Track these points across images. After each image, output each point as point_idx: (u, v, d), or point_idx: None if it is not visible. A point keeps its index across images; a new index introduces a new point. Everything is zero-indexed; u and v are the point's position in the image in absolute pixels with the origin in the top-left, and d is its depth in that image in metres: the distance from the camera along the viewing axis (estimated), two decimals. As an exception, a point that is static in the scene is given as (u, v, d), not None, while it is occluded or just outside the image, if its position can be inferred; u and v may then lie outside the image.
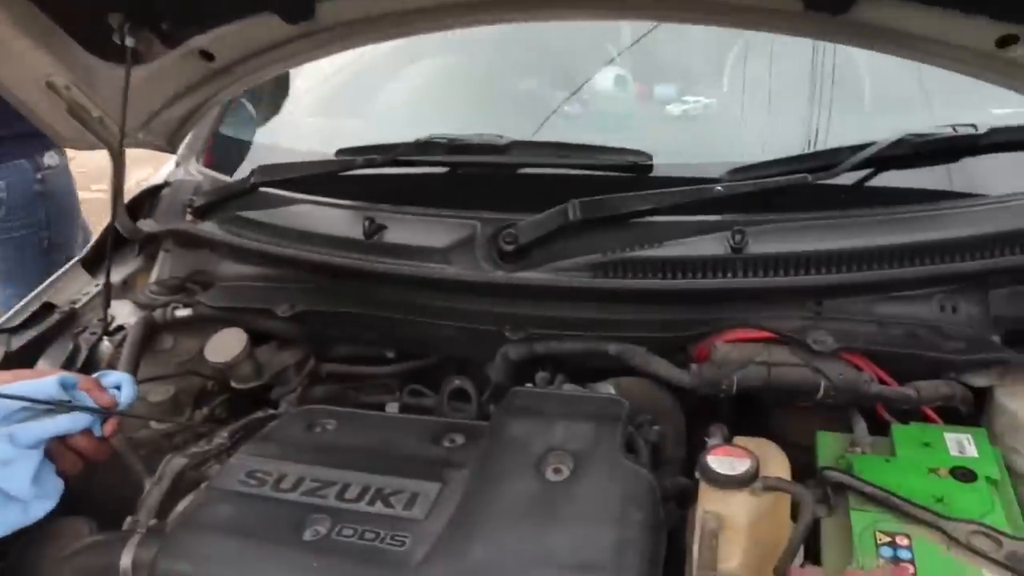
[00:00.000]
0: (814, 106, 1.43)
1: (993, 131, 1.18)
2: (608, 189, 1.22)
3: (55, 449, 0.99)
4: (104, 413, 1.02)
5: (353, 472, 1.04)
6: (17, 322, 1.44)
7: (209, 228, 1.44)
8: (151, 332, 1.39)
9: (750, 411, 1.32)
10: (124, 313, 1.50)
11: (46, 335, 1.44)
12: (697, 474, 0.94)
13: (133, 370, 1.31)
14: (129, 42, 1.26)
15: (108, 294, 1.38)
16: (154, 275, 1.61)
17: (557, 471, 0.96)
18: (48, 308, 1.50)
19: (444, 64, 1.83)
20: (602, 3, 1.05)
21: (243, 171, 1.54)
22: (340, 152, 1.44)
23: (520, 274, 1.17)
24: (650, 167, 1.26)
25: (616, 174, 1.27)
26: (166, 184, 1.65)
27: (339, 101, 1.80)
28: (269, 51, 1.31)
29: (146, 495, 1.11)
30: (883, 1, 0.95)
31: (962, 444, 1.05)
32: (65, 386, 0.99)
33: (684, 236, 1.15)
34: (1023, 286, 1.12)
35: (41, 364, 1.37)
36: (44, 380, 0.96)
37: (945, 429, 1.08)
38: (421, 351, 1.36)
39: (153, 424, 1.33)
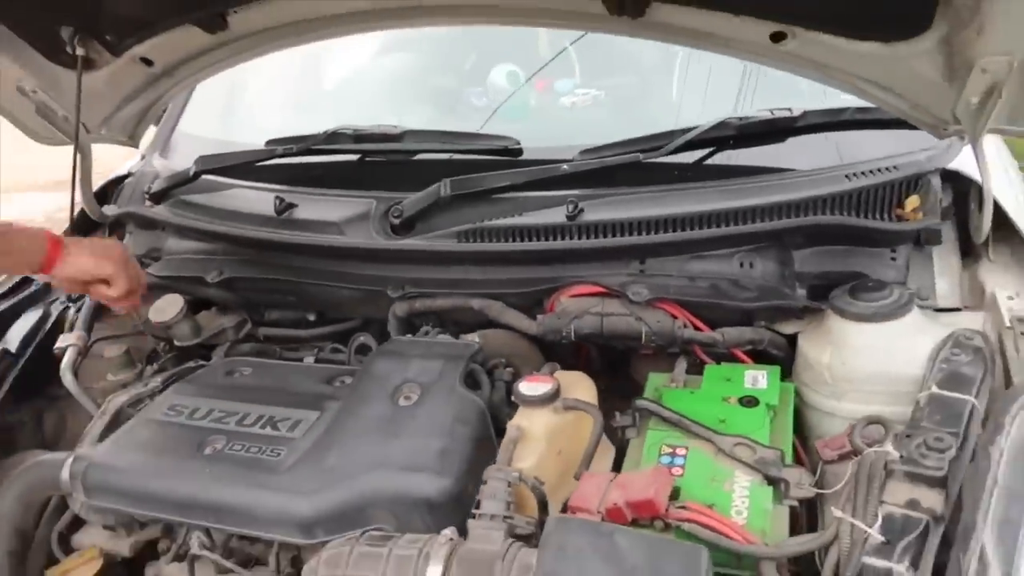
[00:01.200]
0: (682, 94, 1.62)
1: (807, 113, 1.37)
2: (485, 170, 1.43)
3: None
4: None
5: (255, 405, 1.27)
6: (-1, 292, 1.69)
7: (160, 211, 1.67)
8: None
9: (619, 362, 1.53)
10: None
11: (22, 303, 1.68)
12: (511, 396, 1.15)
13: (88, 329, 1.55)
14: (79, 51, 1.50)
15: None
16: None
17: (407, 399, 1.18)
18: (26, 281, 1.75)
19: (368, 62, 2.05)
20: (435, 12, 1.26)
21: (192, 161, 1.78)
22: (268, 143, 1.66)
23: (400, 241, 1.39)
24: (519, 150, 1.47)
25: (491, 157, 1.48)
26: (129, 174, 1.89)
27: (275, 97, 2.03)
28: (198, 57, 1.54)
29: (90, 426, 1.35)
30: (671, 5, 1.14)
31: (756, 378, 1.25)
32: None
33: (535, 209, 1.35)
34: (823, 247, 1.31)
35: (15, 328, 1.61)
36: None
37: (748, 368, 1.28)
38: (333, 313, 1.58)
39: (109, 376, 1.57)
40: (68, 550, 1.29)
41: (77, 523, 1.29)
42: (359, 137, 1.55)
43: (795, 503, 1.05)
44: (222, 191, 1.66)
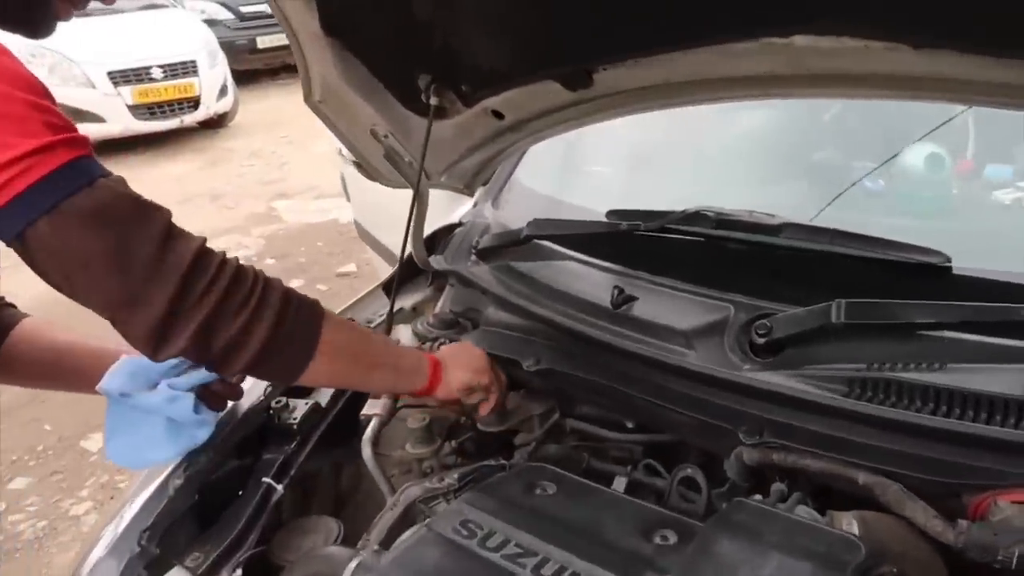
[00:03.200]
0: None
1: None
2: (889, 289, 1.07)
3: (202, 392, 1.24)
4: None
5: (556, 548, 1.04)
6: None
7: (482, 273, 1.53)
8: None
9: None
10: (405, 338, 1.66)
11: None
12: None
13: (395, 397, 1.44)
14: (433, 100, 1.40)
15: (390, 322, 1.54)
16: (438, 306, 1.77)
17: (760, 612, 0.86)
18: (349, 324, 1.72)
19: (732, 129, 1.74)
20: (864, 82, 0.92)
21: (526, 219, 1.62)
22: (610, 214, 1.44)
23: (765, 375, 1.07)
24: (947, 269, 1.07)
25: (902, 274, 1.10)
26: (460, 224, 1.80)
27: (620, 160, 1.81)
28: (552, 113, 1.37)
29: (379, 518, 1.22)
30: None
31: None
32: None
33: (974, 362, 0.95)
34: None
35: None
36: None
37: None
38: (658, 428, 1.31)
39: (408, 447, 1.46)
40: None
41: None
42: (724, 223, 1.26)
43: None
44: (552, 260, 1.47)
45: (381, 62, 1.40)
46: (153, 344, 0.97)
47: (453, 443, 1.47)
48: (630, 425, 1.39)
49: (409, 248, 1.68)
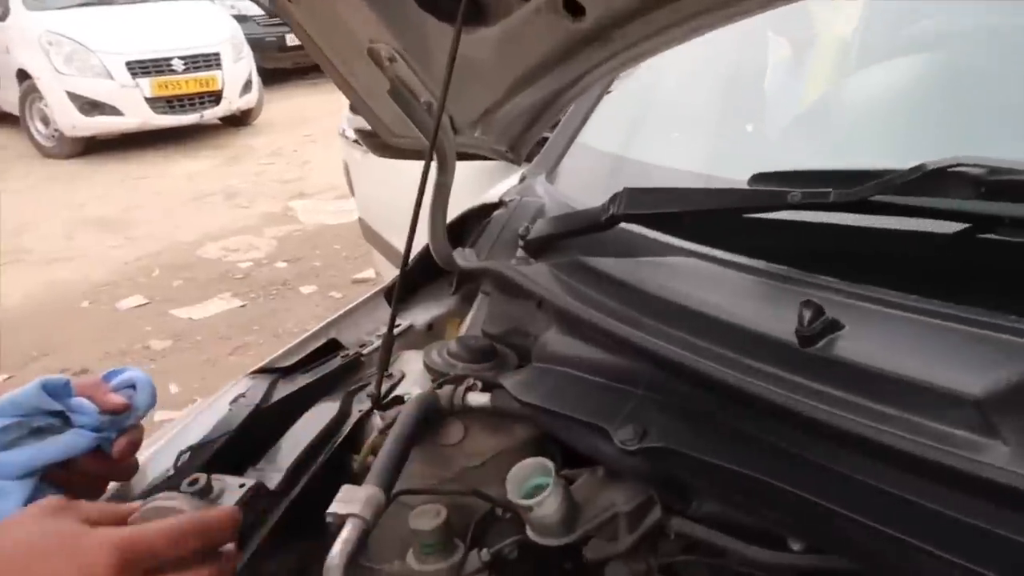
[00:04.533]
0: None
1: None
2: None
3: (58, 477, 0.75)
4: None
5: None
6: (290, 361, 1.11)
7: (537, 274, 0.96)
8: (434, 416, 0.94)
9: None
10: (414, 371, 1.09)
11: (321, 385, 1.08)
12: None
13: (387, 487, 0.86)
14: (466, -12, 0.83)
15: (388, 348, 0.96)
16: (466, 324, 1.20)
17: None
18: (332, 347, 1.15)
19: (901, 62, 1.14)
20: None
21: (603, 194, 1.04)
22: (756, 179, 0.86)
23: None
24: None
25: None
26: (500, 203, 1.23)
27: (726, 109, 1.22)
28: (652, 12, 0.79)
29: None
30: None
31: None
32: (53, 392, 0.74)
33: None
34: None
35: (295, 433, 1.00)
36: (24, 388, 0.74)
37: None
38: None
39: (411, 560, 0.88)
40: None
41: None
42: (1001, 187, 0.67)
43: None
44: (657, 257, 0.89)
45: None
46: None
47: (484, 553, 0.90)
48: (796, 547, 0.80)
49: (422, 238, 1.12)
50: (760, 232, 0.83)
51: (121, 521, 0.62)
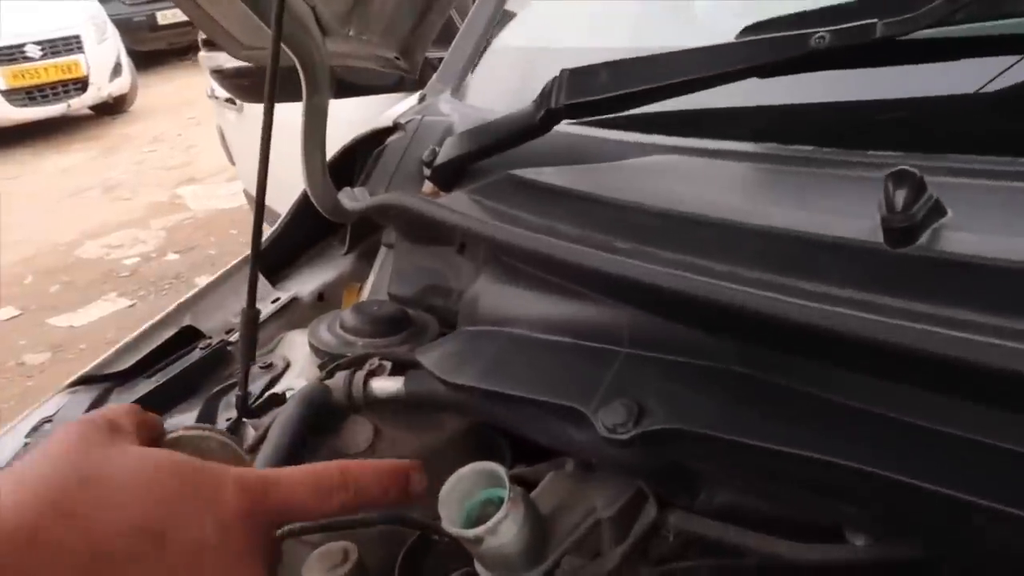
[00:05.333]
0: None
1: None
2: None
3: None
4: None
5: None
6: (126, 363, 0.80)
7: (458, 202, 0.68)
8: (329, 416, 0.66)
9: None
10: (299, 356, 0.81)
11: (164, 392, 0.78)
12: None
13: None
14: None
15: (251, 342, 0.68)
16: (367, 288, 0.92)
17: None
18: (187, 337, 0.85)
19: None
20: None
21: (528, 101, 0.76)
22: (747, 31, 0.60)
23: None
24: None
25: None
26: (396, 128, 0.94)
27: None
28: None
29: None
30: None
31: None
32: None
33: None
34: None
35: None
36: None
37: None
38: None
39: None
40: None
41: None
42: None
43: None
44: (625, 158, 0.63)
45: None
46: None
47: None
48: (859, 542, 0.56)
49: (291, 181, 0.83)
50: (766, 108, 0.58)
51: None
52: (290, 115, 0.80)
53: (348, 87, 1.20)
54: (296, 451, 0.58)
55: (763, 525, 0.66)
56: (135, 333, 0.84)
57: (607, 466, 0.57)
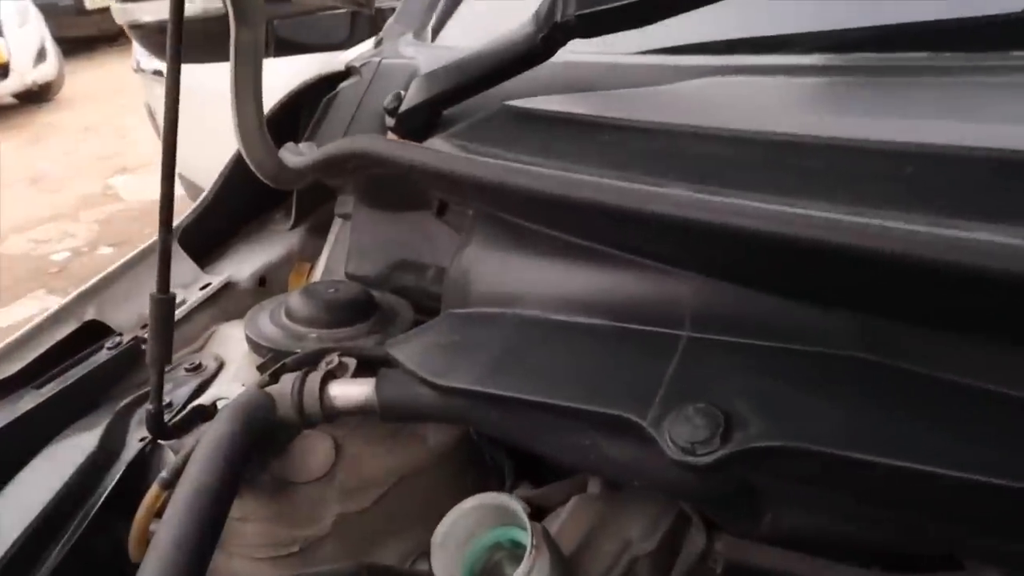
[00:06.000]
0: None
1: None
2: None
3: None
4: None
5: None
6: (9, 369, 0.62)
7: (443, 147, 0.52)
8: (274, 433, 0.50)
9: None
10: (235, 355, 0.64)
11: (58, 404, 0.61)
12: None
13: (198, 550, 0.41)
14: None
15: (166, 341, 0.51)
16: (320, 268, 0.75)
17: None
18: (90, 334, 0.67)
19: None
20: None
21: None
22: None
23: None
24: None
25: None
26: (349, 72, 0.77)
27: None
28: None
29: None
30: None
31: None
32: None
33: None
34: None
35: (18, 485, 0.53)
36: None
37: None
38: None
39: None
40: None
41: None
42: None
43: None
44: (661, 84, 0.47)
45: None
46: None
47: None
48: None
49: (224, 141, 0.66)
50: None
51: None
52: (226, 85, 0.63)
53: (288, 44, 1.03)
54: (226, 490, 0.41)
55: (830, 549, 0.53)
56: (22, 331, 0.66)
57: (661, 491, 0.42)
